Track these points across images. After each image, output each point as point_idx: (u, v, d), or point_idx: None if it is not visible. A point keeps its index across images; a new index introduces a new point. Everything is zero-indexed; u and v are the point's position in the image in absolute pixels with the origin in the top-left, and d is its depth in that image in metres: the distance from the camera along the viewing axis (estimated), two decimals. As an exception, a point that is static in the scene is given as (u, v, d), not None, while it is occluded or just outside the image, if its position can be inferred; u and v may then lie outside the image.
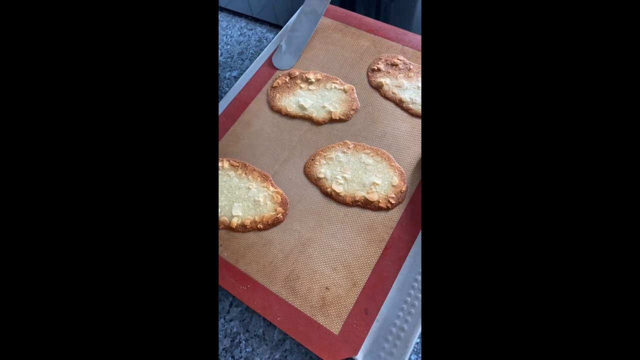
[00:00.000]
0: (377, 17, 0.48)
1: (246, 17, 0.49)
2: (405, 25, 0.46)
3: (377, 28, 0.42)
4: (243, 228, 0.32)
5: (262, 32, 0.47)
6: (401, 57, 0.39)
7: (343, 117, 0.36)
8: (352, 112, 0.37)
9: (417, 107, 0.36)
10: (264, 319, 0.29)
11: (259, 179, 0.34)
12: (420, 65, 0.38)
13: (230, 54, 0.45)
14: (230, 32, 0.47)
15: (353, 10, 0.46)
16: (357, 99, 0.37)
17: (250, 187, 0.33)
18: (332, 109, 0.37)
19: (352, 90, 0.38)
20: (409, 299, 0.27)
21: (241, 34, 0.47)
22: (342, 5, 0.50)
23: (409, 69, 0.38)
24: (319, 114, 0.37)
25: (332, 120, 0.36)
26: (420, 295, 0.27)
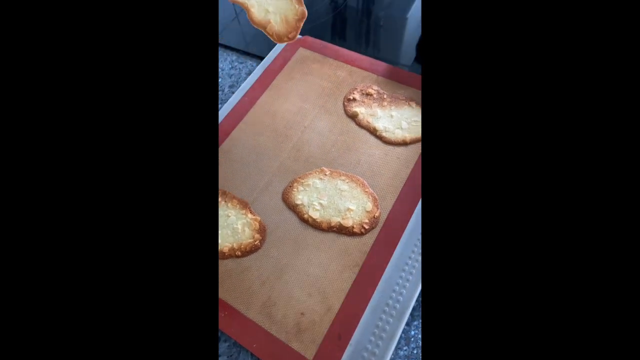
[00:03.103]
0: (366, 41, 0.50)
1: (237, 50, 0.51)
2: (395, 47, 0.49)
3: (353, 59, 0.44)
4: (221, 255, 0.32)
5: (252, 66, 0.49)
6: (375, 87, 0.41)
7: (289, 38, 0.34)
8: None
9: (390, 134, 0.37)
10: (252, 354, 0.29)
11: (238, 206, 0.35)
12: (393, 95, 0.40)
13: (221, 87, 0.47)
14: (222, 65, 0.49)
15: (344, 33, 0.48)
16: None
17: (229, 214, 0.34)
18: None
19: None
20: (380, 323, 0.28)
21: (232, 67, 0.49)
22: (333, 29, 0.53)
23: (383, 99, 0.40)
24: None
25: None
26: (391, 320, 0.28)
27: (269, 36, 0.35)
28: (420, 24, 0.50)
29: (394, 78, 0.42)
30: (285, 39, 0.35)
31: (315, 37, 0.47)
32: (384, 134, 0.37)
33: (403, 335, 0.29)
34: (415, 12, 0.52)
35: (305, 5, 0.34)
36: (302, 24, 0.35)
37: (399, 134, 0.37)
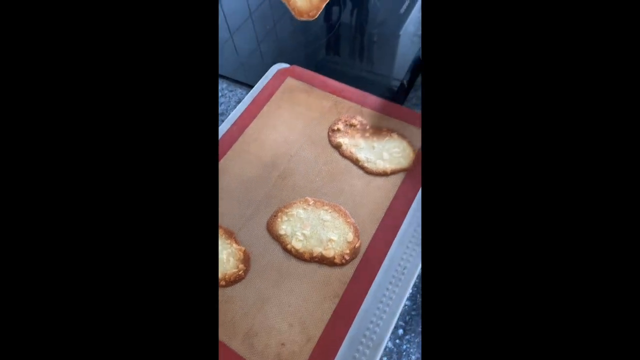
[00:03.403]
0: (360, 56, 0.52)
1: (227, 79, 0.52)
2: (388, 62, 0.51)
3: (339, 90, 0.46)
4: (206, 285, 0.33)
5: (242, 94, 0.50)
6: (359, 118, 0.42)
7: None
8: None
9: (372, 165, 0.39)
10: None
11: (223, 235, 0.36)
12: (375, 126, 0.42)
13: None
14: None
15: (338, 50, 0.50)
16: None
17: (215, 244, 0.35)
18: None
19: None
20: (357, 354, 0.29)
21: (222, 95, 0.50)
22: (327, 47, 0.55)
23: (365, 130, 0.41)
24: None
25: None
26: (368, 351, 0.29)
27: (290, 9, 0.35)
28: (412, 41, 0.53)
29: (378, 109, 0.43)
30: (306, 16, 0.35)
31: (311, 53, 0.48)
32: (365, 165, 0.39)
33: (395, 349, 0.31)
34: (407, 29, 0.54)
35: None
36: (324, 5, 0.35)
37: (380, 165, 0.38)
